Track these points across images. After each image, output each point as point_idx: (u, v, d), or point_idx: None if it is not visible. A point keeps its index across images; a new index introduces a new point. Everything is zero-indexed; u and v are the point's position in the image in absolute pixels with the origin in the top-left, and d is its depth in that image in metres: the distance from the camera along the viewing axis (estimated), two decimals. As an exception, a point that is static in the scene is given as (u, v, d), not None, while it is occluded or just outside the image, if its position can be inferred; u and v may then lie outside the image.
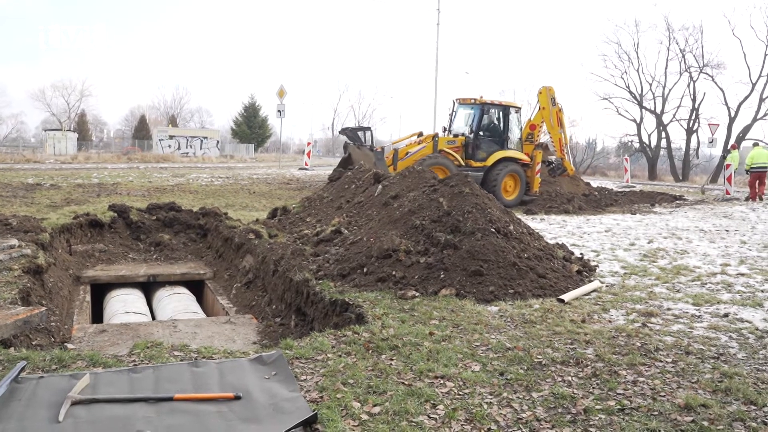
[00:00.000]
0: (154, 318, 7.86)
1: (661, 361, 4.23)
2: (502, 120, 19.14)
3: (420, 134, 19.64)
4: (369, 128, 21.06)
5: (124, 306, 7.88)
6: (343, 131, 20.99)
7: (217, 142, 60.99)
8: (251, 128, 70.60)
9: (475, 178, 18.74)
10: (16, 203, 13.22)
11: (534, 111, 19.69)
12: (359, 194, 9.58)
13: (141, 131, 71.51)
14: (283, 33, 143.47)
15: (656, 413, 3.40)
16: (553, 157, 19.99)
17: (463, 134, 19.03)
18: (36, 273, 6.82)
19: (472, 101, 19.23)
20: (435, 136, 19.01)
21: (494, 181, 18.18)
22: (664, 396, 3.63)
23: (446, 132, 19.58)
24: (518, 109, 19.73)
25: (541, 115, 19.28)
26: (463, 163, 18.45)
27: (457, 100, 19.81)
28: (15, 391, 3.44)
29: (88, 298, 8.06)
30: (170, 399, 3.45)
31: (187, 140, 58.48)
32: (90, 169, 26.96)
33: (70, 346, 5.46)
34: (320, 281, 6.30)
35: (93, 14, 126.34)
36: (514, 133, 19.43)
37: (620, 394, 3.66)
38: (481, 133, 18.93)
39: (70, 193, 15.83)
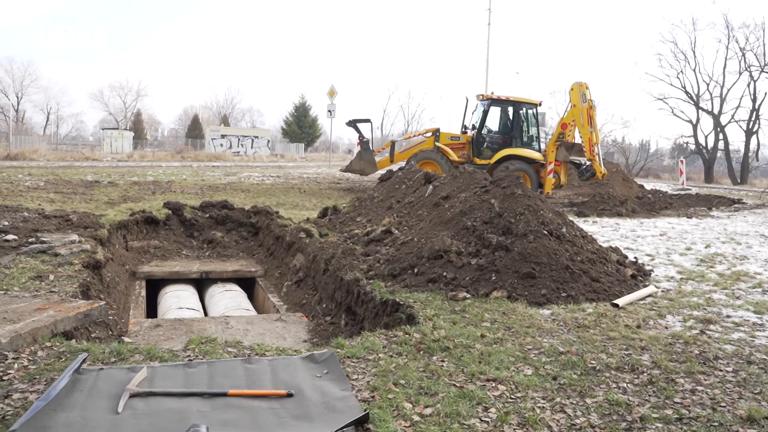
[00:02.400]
0: (206, 314, 8.00)
1: (720, 370, 4.10)
2: (512, 117, 18.89)
3: (437, 131, 19.82)
4: (368, 120, 21.66)
5: (178, 301, 8.05)
6: (348, 123, 21.67)
7: (268, 141, 61.74)
8: (301, 128, 71.34)
9: None
10: (76, 200, 13.64)
11: (566, 109, 18.97)
12: (410, 194, 9.58)
13: (194, 130, 72.99)
14: (334, 33, 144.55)
15: (716, 424, 3.30)
16: (583, 159, 18.77)
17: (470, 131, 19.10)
18: (95, 268, 7.03)
19: (481, 97, 19.18)
20: (436, 131, 19.31)
21: None
22: (724, 406, 3.51)
23: (465, 129, 19.52)
24: (534, 106, 19.22)
25: (573, 113, 18.43)
26: (457, 159, 18.43)
27: (478, 96, 19.79)
28: (77, 382, 3.55)
29: (144, 293, 8.26)
30: (224, 394, 3.51)
31: (239, 139, 59.34)
32: (145, 167, 27.63)
33: (127, 339, 5.61)
34: (371, 281, 6.32)
35: (147, 16, 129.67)
36: (530, 131, 19.10)
37: (678, 402, 3.57)
38: (487, 129, 18.93)
39: (126, 191, 16.25)
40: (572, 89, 18.47)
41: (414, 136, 21.45)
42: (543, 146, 19.36)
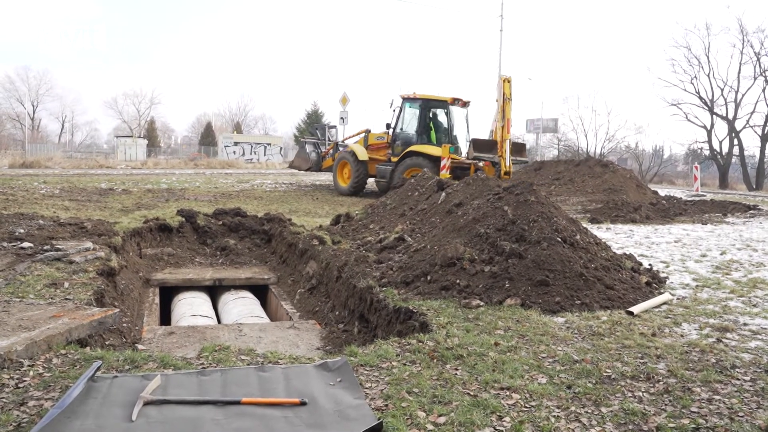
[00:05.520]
0: (219, 321, 8.02)
1: (738, 379, 4.05)
2: (419, 114, 19.79)
3: (367, 131, 21.34)
4: (334, 126, 25.36)
5: (191, 309, 8.07)
6: (314, 127, 25.21)
7: (281, 148, 61.96)
8: (314, 135, 71.49)
9: (382, 172, 19.90)
10: (90, 207, 13.73)
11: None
12: (422, 202, 9.57)
13: (207, 138, 73.42)
14: (346, 41, 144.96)
15: (734, 434, 3.26)
16: (496, 156, 18.55)
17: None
18: (109, 275, 7.06)
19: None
20: (366, 132, 21.04)
21: (394, 175, 19.02)
22: (742, 416, 3.46)
23: (390, 128, 20.66)
24: (444, 103, 19.91)
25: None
26: (366, 158, 20.06)
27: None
28: (91, 390, 3.56)
29: (157, 300, 8.29)
30: (238, 402, 3.51)
31: (252, 147, 59.62)
32: (159, 175, 27.81)
33: (140, 347, 5.63)
34: (384, 288, 6.30)
35: (161, 24, 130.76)
36: (442, 128, 20.00)
37: (695, 412, 3.52)
38: (399, 128, 20.11)
39: (140, 198, 16.35)
40: (498, 85, 18.60)
41: (351, 137, 23.11)
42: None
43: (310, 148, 23.85)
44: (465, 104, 20.65)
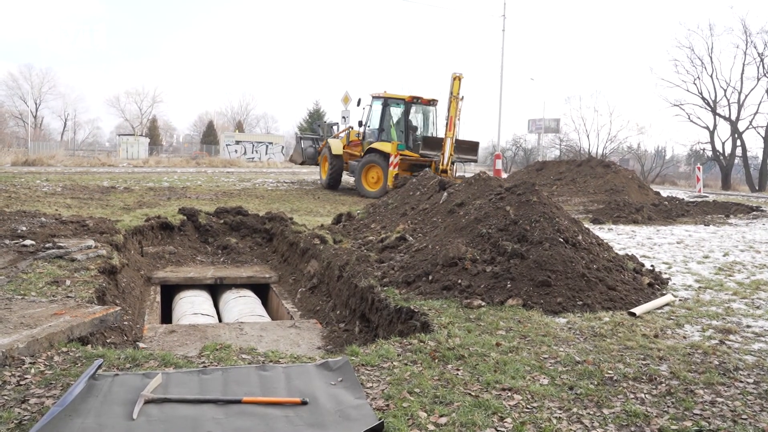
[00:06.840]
0: (220, 320, 8.01)
1: (741, 382, 4.04)
2: (380, 112, 20.45)
3: (350, 128, 22.48)
4: (333, 123, 26.57)
5: (192, 307, 8.06)
6: (314, 125, 27.10)
7: (282, 147, 61.89)
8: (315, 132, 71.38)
9: (352, 168, 20.84)
10: (92, 205, 13.73)
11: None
12: (424, 201, 9.55)
13: (209, 136, 73.48)
14: (348, 40, 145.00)
15: (737, 436, 3.24)
16: (440, 154, 18.98)
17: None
18: (111, 273, 7.06)
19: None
20: (349, 128, 22.14)
21: (355, 172, 19.85)
22: (746, 419, 3.45)
23: (361, 126, 21.49)
24: (402, 101, 20.41)
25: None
26: (340, 153, 21.11)
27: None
28: (92, 388, 3.56)
29: (158, 298, 8.29)
30: (239, 401, 3.50)
31: (253, 145, 59.58)
32: (160, 173, 27.80)
33: (141, 345, 5.63)
34: (385, 288, 6.29)
35: (163, 23, 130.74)
36: (404, 126, 20.50)
37: (697, 414, 3.51)
38: (368, 125, 20.90)
39: (142, 196, 16.34)
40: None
41: (340, 133, 24.13)
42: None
43: (306, 143, 25.25)
44: (429, 102, 20.99)
